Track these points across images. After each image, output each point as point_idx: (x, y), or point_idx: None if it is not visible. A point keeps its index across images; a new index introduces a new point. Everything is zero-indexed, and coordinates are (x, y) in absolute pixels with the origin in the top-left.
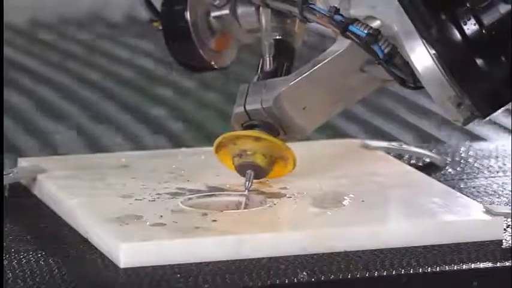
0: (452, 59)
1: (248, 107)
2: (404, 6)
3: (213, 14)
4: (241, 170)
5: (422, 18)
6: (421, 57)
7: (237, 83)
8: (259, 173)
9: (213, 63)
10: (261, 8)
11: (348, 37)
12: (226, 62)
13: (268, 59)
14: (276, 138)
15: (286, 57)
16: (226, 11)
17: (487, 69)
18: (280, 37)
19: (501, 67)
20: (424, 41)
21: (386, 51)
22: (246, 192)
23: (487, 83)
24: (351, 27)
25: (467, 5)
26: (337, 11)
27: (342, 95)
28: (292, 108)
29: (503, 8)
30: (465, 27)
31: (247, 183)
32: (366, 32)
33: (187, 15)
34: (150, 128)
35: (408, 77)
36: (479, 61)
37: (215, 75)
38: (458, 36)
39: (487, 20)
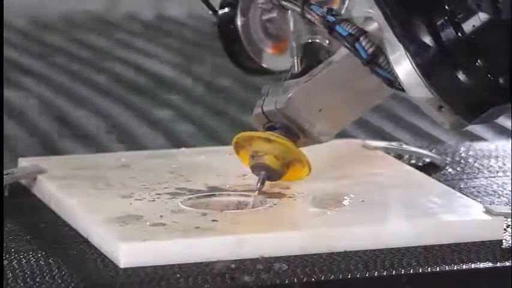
0: (428, 63)
1: (265, 108)
2: (380, 8)
3: (264, 17)
4: (254, 170)
5: (399, 22)
6: (401, 59)
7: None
8: (272, 174)
9: (266, 65)
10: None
11: (335, 37)
12: (285, 66)
13: (296, 61)
14: (291, 141)
15: (319, 60)
16: (274, 14)
17: (464, 77)
18: (316, 40)
19: (479, 75)
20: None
21: (370, 51)
22: (255, 193)
23: (464, 90)
24: (337, 27)
25: (446, 7)
26: (329, 11)
27: (358, 98)
28: (307, 109)
29: (483, 16)
30: (442, 34)
31: (258, 184)
32: (349, 31)
33: (238, 18)
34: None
35: (395, 78)
36: (456, 68)
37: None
38: (434, 42)
39: (466, 27)
